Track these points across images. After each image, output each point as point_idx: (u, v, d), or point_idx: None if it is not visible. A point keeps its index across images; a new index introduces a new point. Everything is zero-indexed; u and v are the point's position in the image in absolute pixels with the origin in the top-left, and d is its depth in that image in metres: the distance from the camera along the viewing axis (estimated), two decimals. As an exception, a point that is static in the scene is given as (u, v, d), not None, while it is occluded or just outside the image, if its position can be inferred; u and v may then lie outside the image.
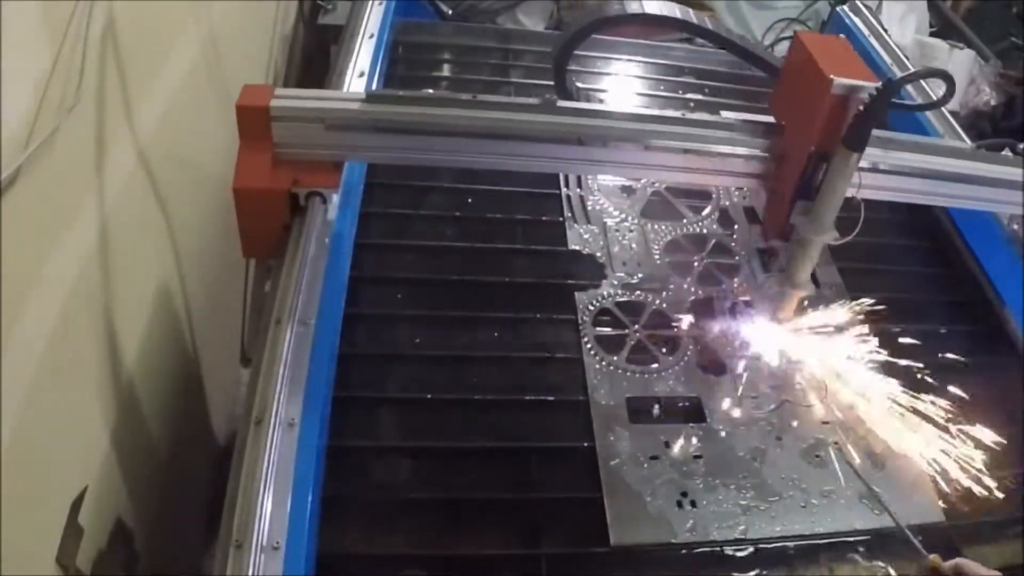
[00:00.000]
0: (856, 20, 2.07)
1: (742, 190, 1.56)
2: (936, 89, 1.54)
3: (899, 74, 1.84)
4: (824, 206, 1.01)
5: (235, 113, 1.01)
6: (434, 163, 1.20)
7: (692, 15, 1.58)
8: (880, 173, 1.09)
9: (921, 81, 1.81)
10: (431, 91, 1.31)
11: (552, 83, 1.51)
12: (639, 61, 1.95)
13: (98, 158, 1.11)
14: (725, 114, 1.11)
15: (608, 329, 1.26)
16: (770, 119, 1.09)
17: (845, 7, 2.10)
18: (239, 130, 1.03)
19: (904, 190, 1.14)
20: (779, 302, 1.14)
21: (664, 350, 1.25)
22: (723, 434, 1.14)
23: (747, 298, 1.25)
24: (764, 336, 1.18)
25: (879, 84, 0.93)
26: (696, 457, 1.10)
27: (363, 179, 1.35)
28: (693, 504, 1.04)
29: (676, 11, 1.56)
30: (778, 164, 1.07)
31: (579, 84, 1.82)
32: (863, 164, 1.01)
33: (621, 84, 1.88)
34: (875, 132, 1.00)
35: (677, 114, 1.11)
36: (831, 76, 0.94)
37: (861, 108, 0.94)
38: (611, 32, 1.67)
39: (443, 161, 1.16)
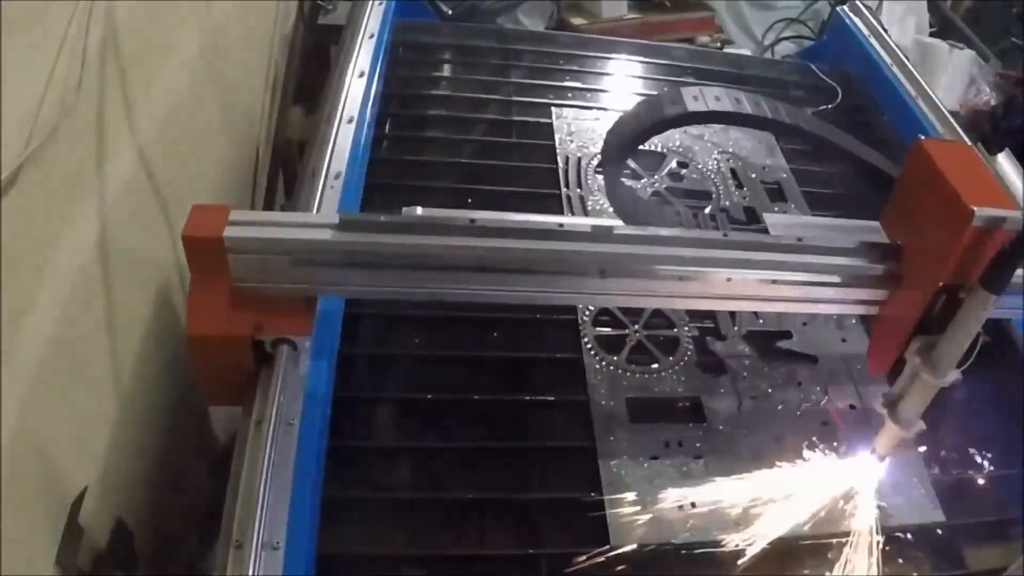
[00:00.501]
0: (856, 20, 2.07)
1: (743, 189, 1.56)
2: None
3: (898, 74, 1.87)
4: (950, 347, 0.87)
5: (181, 242, 0.87)
6: (431, 298, 0.95)
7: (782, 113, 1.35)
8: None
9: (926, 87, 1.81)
10: (419, 211, 1.02)
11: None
12: (639, 61, 1.95)
13: (98, 158, 1.11)
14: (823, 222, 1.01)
15: (608, 329, 1.26)
16: (883, 239, 0.96)
17: (845, 7, 2.11)
18: (189, 264, 0.88)
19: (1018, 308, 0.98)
20: (882, 434, 1.01)
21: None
22: (723, 434, 1.14)
23: None
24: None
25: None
26: (696, 457, 1.10)
27: (342, 309, 1.15)
28: (693, 504, 1.04)
29: (763, 106, 1.34)
30: (894, 291, 0.94)
31: (579, 84, 1.82)
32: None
33: (621, 84, 1.88)
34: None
35: (788, 238, 0.97)
36: (972, 207, 0.81)
37: (1006, 247, 0.81)
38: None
39: (443, 296, 0.95)
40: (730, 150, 1.66)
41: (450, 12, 2.25)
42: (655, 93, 1.84)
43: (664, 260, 0.94)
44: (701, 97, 1.25)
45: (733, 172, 1.59)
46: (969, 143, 1.59)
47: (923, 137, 0.92)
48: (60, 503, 1.00)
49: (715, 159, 1.63)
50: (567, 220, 0.95)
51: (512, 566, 0.99)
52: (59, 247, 1.01)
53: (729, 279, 0.94)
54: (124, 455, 1.19)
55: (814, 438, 1.12)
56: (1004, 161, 1.63)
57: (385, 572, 0.98)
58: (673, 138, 1.67)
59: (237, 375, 0.92)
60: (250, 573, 0.77)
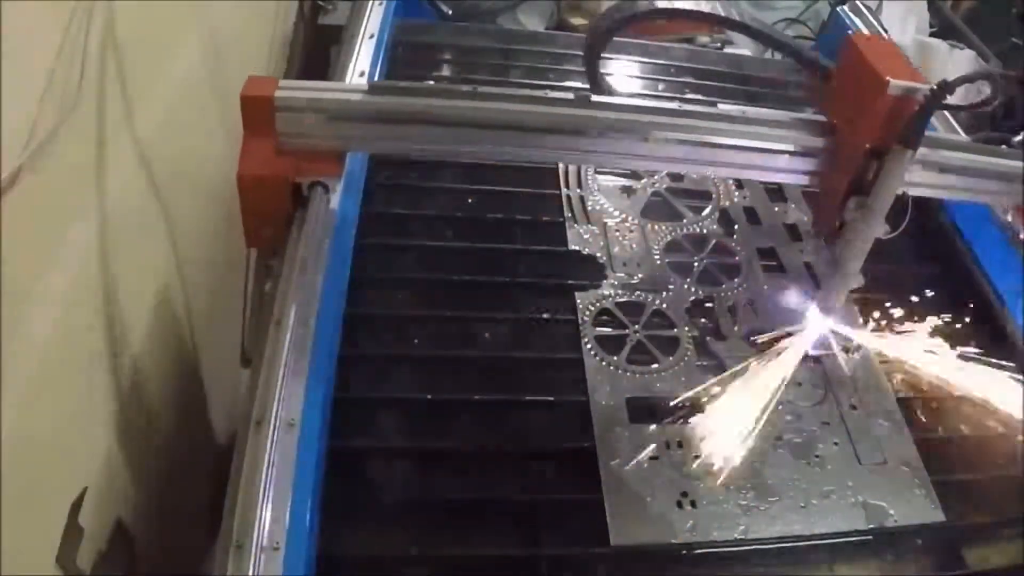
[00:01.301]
0: (856, 20, 2.07)
1: (743, 189, 1.56)
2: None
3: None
4: (878, 201, 1.06)
5: (239, 103, 1.03)
6: (440, 155, 1.27)
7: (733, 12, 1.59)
8: (929, 171, 1.14)
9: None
10: (434, 83, 1.31)
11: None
12: (639, 61, 1.95)
13: (98, 158, 1.11)
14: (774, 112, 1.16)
15: (608, 329, 1.26)
16: (820, 118, 1.13)
17: (845, 7, 2.10)
18: (243, 120, 1.04)
19: (950, 187, 1.18)
20: (828, 292, 1.20)
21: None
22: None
23: None
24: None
25: (933, 85, 0.98)
26: (696, 457, 1.10)
27: (365, 169, 1.37)
28: (693, 504, 1.04)
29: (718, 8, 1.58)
30: (832, 161, 1.11)
31: (579, 84, 1.82)
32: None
33: (621, 84, 1.88)
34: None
35: (734, 110, 1.17)
36: (888, 79, 0.99)
37: (918, 107, 0.99)
38: (638, 28, 1.65)
39: (450, 153, 1.20)
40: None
41: (450, 12, 2.25)
42: (655, 93, 1.85)
43: (628, 124, 1.10)
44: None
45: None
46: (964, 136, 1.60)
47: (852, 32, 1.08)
48: (60, 504, 1.00)
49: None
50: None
51: (512, 566, 0.99)
52: (59, 247, 1.01)
53: (714, 145, 1.12)
54: (124, 455, 1.19)
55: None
56: (1004, 161, 1.63)
57: (385, 572, 0.98)
58: (673, 138, 1.67)
59: (277, 217, 1.09)
60: (250, 574, 0.77)
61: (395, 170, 1.49)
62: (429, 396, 1.14)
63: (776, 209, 1.53)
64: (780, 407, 1.17)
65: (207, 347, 1.58)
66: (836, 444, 1.15)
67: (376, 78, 1.58)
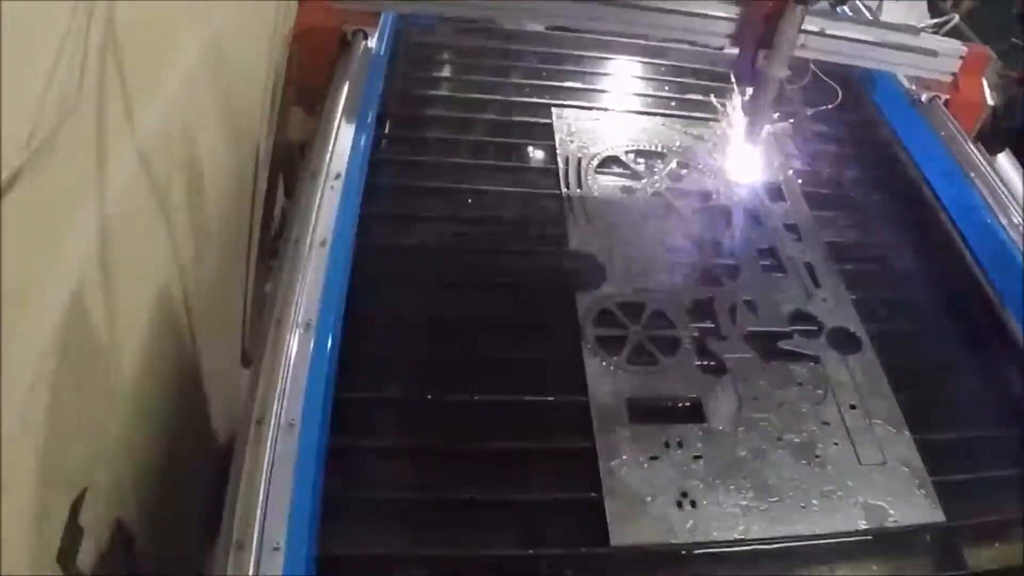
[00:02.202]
0: (856, 20, 2.07)
1: (742, 189, 1.56)
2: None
3: (899, 75, 1.86)
4: (779, 47, 1.37)
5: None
6: (467, 15, 1.71)
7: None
8: (824, 37, 1.54)
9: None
10: None
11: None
12: (639, 61, 1.95)
13: (99, 158, 1.11)
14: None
15: (608, 329, 1.26)
16: None
17: (845, 8, 2.10)
18: None
19: (839, 52, 1.57)
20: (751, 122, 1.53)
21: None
22: (723, 434, 1.13)
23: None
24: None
25: None
26: (696, 457, 1.10)
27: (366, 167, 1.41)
28: (693, 504, 1.04)
29: None
30: (746, 24, 1.45)
31: (579, 84, 1.82)
32: (812, 28, 1.46)
33: (621, 84, 1.88)
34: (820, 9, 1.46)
35: None
36: None
37: None
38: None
39: (474, 13, 1.59)
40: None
41: (450, 12, 2.24)
42: (656, 93, 1.85)
43: None
44: None
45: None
46: (961, 133, 1.63)
47: None
48: (60, 504, 1.00)
49: (715, 159, 1.63)
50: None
51: (512, 567, 0.99)
52: (59, 247, 1.01)
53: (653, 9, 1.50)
54: (124, 455, 1.19)
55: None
56: (1004, 161, 1.63)
57: (385, 573, 0.98)
58: (674, 139, 1.68)
59: (325, 63, 1.48)
60: (250, 574, 0.77)
61: (395, 170, 1.49)
62: (429, 396, 1.14)
63: (776, 209, 1.53)
64: (781, 407, 1.18)
65: (207, 347, 1.58)
66: (836, 444, 1.15)
67: (376, 79, 1.58)
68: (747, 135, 1.54)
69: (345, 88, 1.41)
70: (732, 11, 1.46)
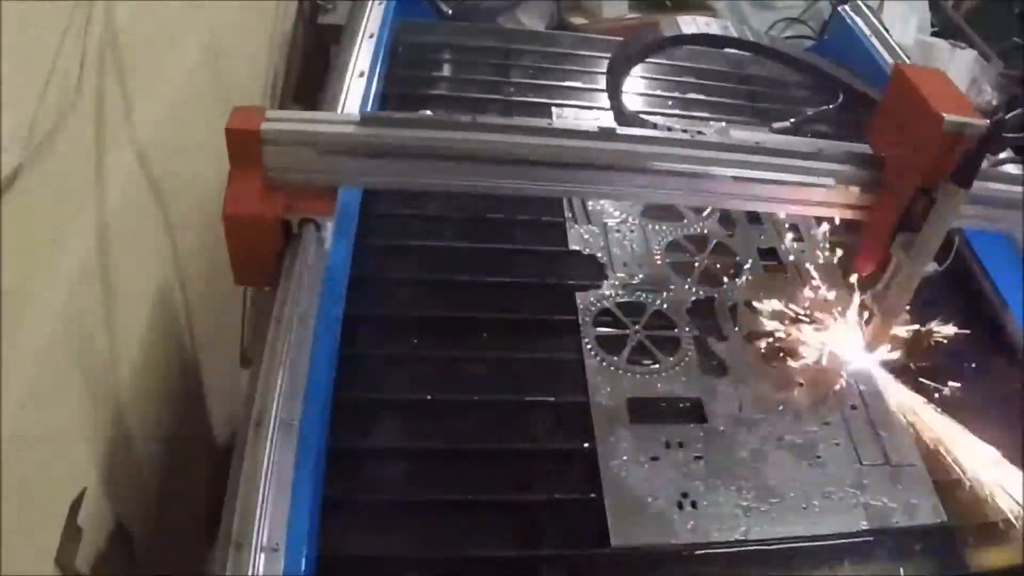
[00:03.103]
0: (857, 20, 2.07)
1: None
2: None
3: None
4: (928, 239, 1.02)
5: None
6: (437, 188, 1.20)
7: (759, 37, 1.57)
8: (980, 205, 1.11)
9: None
10: (430, 113, 1.23)
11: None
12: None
13: (98, 158, 1.11)
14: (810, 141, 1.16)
15: (609, 329, 1.26)
16: (866, 149, 1.11)
17: (846, 7, 2.11)
18: (229, 154, 1.01)
19: (998, 219, 1.16)
20: (870, 328, 1.15)
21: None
22: (724, 435, 1.13)
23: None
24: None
25: (988, 122, 0.95)
26: (697, 458, 1.10)
27: (359, 202, 1.32)
28: (694, 505, 1.04)
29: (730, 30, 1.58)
30: (880, 196, 1.08)
31: (579, 84, 1.82)
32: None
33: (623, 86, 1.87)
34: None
35: (775, 142, 1.13)
36: (942, 114, 0.95)
37: (972, 145, 0.95)
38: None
39: (447, 186, 1.13)
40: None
41: (450, 12, 2.25)
42: (656, 94, 1.85)
43: (656, 157, 1.08)
44: (693, 24, 1.49)
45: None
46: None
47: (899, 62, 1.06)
48: (59, 504, 1.00)
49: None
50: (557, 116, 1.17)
51: (512, 567, 0.99)
52: (58, 247, 1.01)
53: (735, 177, 1.09)
54: (124, 455, 1.18)
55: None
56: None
57: (385, 573, 0.97)
58: (674, 138, 1.67)
59: (267, 255, 1.05)
60: (250, 574, 0.77)
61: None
62: (429, 396, 1.14)
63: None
64: (780, 408, 1.18)
65: (207, 347, 1.58)
66: (837, 444, 1.14)
67: (376, 78, 1.58)
68: (868, 347, 1.19)
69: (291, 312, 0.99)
70: (861, 176, 1.08)
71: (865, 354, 1.18)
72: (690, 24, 1.44)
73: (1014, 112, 1.00)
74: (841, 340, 1.21)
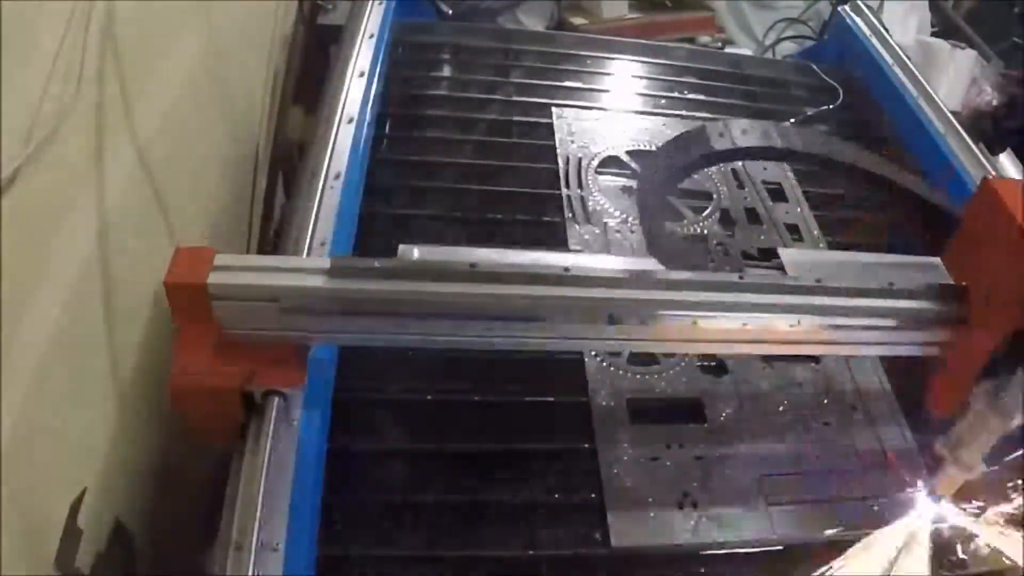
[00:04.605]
0: (857, 20, 2.07)
1: (743, 190, 1.56)
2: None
3: (899, 74, 1.86)
4: (1019, 390, 0.86)
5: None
6: (431, 346, 0.96)
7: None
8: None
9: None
10: (415, 252, 0.94)
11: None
12: (639, 61, 1.95)
13: (98, 158, 1.11)
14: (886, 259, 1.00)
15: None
16: (945, 277, 0.97)
17: (846, 7, 2.11)
18: (172, 311, 0.86)
19: None
20: (940, 477, 1.01)
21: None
22: (724, 435, 1.13)
23: None
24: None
25: None
26: (697, 458, 1.10)
27: (335, 358, 1.10)
28: (694, 505, 1.04)
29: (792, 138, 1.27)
30: (961, 334, 0.92)
31: (579, 84, 1.82)
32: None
33: (621, 84, 1.88)
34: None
35: (833, 269, 0.98)
36: None
37: None
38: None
39: (443, 344, 0.94)
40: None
41: (450, 12, 2.25)
42: (656, 93, 1.85)
43: (678, 305, 0.91)
44: (728, 133, 1.17)
45: (734, 172, 1.59)
46: (969, 140, 1.60)
47: (989, 177, 0.92)
48: (59, 505, 1.00)
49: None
50: (573, 261, 0.89)
51: (512, 568, 0.99)
52: (58, 247, 1.01)
53: (746, 324, 0.93)
54: (124, 455, 1.18)
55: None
56: (1005, 161, 1.63)
57: (384, 573, 0.97)
58: (674, 138, 1.67)
59: (226, 427, 0.89)
60: (250, 574, 0.77)
61: (394, 170, 1.49)
62: (429, 396, 1.14)
63: (777, 209, 1.53)
64: (780, 408, 1.17)
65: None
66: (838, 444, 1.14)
67: (376, 78, 1.58)
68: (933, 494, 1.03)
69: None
70: (941, 312, 0.92)
71: (931, 499, 1.03)
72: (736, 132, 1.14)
73: None
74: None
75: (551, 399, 1.16)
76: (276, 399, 0.88)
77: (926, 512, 1.02)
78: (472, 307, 0.88)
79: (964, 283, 0.94)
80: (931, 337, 0.95)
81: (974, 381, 0.90)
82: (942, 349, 0.96)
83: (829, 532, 1.04)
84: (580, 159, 1.57)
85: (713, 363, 1.23)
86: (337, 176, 1.28)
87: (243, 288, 0.84)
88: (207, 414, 0.89)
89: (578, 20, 3.06)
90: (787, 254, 1.12)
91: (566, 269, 0.89)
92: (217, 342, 0.84)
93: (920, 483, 1.07)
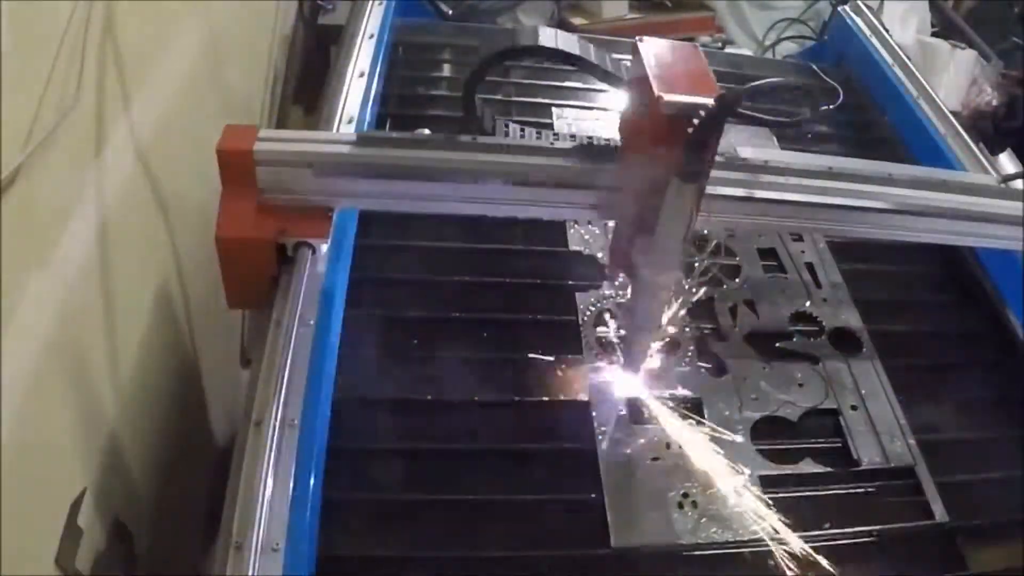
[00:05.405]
0: (857, 20, 2.07)
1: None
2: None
3: (899, 74, 1.86)
4: (660, 243, 0.88)
5: (215, 156, 0.97)
6: (434, 210, 1.11)
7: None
8: (750, 202, 0.99)
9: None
10: (428, 131, 1.14)
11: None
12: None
13: (97, 158, 1.11)
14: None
15: (608, 329, 1.26)
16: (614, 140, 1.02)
17: (846, 7, 2.11)
18: (221, 175, 0.98)
19: (771, 220, 1.07)
20: (625, 346, 1.04)
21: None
22: (724, 435, 1.13)
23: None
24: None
25: (712, 99, 0.80)
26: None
27: (356, 226, 1.26)
28: (695, 505, 1.04)
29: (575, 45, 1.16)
30: (616, 192, 0.97)
31: (579, 84, 1.82)
32: (735, 193, 0.99)
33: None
34: (751, 153, 0.98)
35: (503, 141, 1.08)
36: (660, 94, 0.82)
37: (690, 131, 0.80)
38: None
39: (444, 208, 1.08)
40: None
41: (450, 12, 2.25)
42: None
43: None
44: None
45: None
46: (969, 141, 1.60)
47: (641, 39, 0.93)
48: (59, 504, 1.00)
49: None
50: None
51: (512, 568, 0.99)
52: (58, 247, 1.01)
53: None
54: (124, 455, 1.18)
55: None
56: (1006, 161, 1.63)
57: (384, 573, 0.97)
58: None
59: (261, 279, 1.01)
60: (249, 574, 0.77)
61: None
62: (429, 397, 1.13)
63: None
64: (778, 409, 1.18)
65: (207, 347, 1.58)
66: (839, 444, 1.14)
67: (376, 78, 1.58)
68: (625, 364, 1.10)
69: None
70: (591, 172, 0.99)
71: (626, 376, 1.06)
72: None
73: (745, 87, 0.85)
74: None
75: (551, 399, 1.16)
76: (306, 249, 1.02)
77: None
78: (476, 170, 1.02)
79: (619, 142, 0.99)
80: (591, 198, 1.01)
81: (633, 237, 0.92)
82: (604, 208, 1.02)
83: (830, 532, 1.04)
84: (580, 159, 1.57)
85: (713, 363, 1.23)
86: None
87: (282, 154, 0.98)
88: (246, 266, 1.00)
89: (578, 20, 3.07)
90: None
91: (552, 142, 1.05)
92: (257, 203, 0.98)
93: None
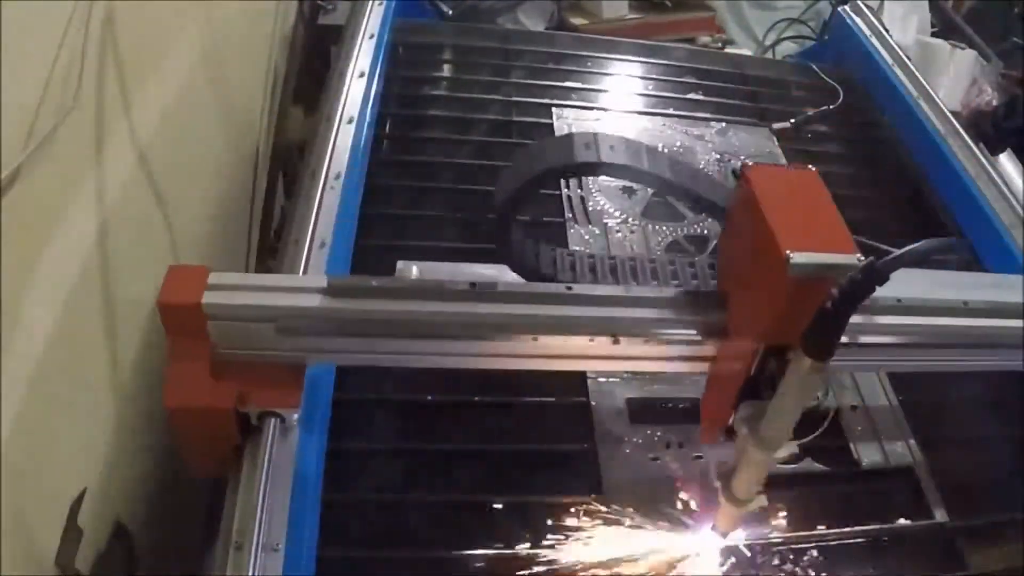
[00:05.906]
0: (857, 20, 2.07)
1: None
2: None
3: (899, 74, 1.86)
4: (776, 416, 0.74)
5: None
6: (432, 366, 0.91)
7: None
8: (859, 348, 0.81)
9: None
10: (414, 269, 0.96)
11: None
12: (639, 61, 1.95)
13: (98, 158, 1.11)
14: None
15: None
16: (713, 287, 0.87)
17: (846, 7, 2.11)
18: (165, 329, 0.83)
19: (890, 364, 0.94)
20: (719, 511, 0.92)
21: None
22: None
23: None
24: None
25: (858, 265, 0.64)
26: (697, 457, 1.10)
27: (332, 374, 1.06)
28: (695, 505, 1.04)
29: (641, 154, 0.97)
30: (722, 346, 0.81)
31: (579, 84, 1.82)
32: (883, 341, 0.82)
33: (621, 85, 1.88)
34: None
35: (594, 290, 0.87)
36: (787, 252, 0.65)
37: (829, 303, 0.64)
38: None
39: (443, 364, 0.89)
40: (732, 151, 1.66)
41: (450, 12, 2.25)
42: (656, 94, 1.85)
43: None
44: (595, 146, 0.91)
45: (734, 173, 1.59)
46: (969, 141, 1.60)
47: (750, 163, 0.79)
48: (59, 505, 1.00)
49: (715, 158, 1.63)
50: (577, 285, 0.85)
51: (512, 568, 0.99)
52: (58, 247, 1.01)
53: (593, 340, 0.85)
54: (124, 455, 1.18)
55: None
56: (1006, 162, 1.63)
57: (384, 573, 0.97)
58: (674, 139, 1.68)
59: (222, 449, 0.86)
60: (250, 574, 0.77)
61: (393, 171, 1.49)
62: (429, 397, 1.13)
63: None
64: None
65: (207, 347, 1.58)
66: (839, 445, 1.14)
67: (376, 78, 1.58)
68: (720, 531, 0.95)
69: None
70: (692, 323, 0.82)
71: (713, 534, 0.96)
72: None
73: (896, 255, 0.64)
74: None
75: (551, 399, 1.16)
76: (273, 420, 0.87)
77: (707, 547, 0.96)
78: (472, 324, 0.84)
79: (725, 290, 0.81)
80: (691, 351, 0.83)
81: (737, 402, 0.78)
82: (708, 363, 0.85)
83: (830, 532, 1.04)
84: (580, 159, 1.57)
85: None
86: (337, 176, 1.28)
87: (238, 308, 0.81)
88: (202, 437, 0.85)
89: (578, 20, 3.07)
90: None
91: (568, 288, 0.85)
92: (212, 362, 0.81)
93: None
